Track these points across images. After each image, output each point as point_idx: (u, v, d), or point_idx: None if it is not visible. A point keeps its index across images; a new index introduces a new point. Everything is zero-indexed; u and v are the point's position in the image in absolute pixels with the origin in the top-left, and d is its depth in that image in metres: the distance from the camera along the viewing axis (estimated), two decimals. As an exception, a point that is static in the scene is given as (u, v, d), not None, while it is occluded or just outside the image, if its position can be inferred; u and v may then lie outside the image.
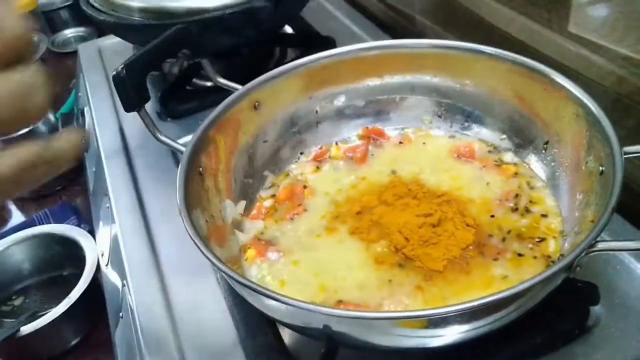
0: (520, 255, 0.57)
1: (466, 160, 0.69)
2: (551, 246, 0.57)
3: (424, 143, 0.73)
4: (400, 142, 0.73)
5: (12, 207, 1.29)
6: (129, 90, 0.57)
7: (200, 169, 0.59)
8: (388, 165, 0.70)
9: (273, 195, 0.68)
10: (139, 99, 0.59)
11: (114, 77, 0.57)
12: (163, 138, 0.61)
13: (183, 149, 0.58)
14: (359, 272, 0.57)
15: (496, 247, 0.58)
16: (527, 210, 0.61)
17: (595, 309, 0.55)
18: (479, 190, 0.65)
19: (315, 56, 0.71)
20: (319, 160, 0.73)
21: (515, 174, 0.66)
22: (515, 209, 0.62)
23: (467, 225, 0.59)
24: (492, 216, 0.61)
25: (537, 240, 0.58)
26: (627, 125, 0.67)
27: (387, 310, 0.53)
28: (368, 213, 0.63)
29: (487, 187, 0.65)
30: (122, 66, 0.57)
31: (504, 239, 0.58)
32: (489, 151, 0.70)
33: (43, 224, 1.10)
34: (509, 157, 0.68)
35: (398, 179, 0.68)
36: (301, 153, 0.74)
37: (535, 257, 0.56)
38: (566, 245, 0.56)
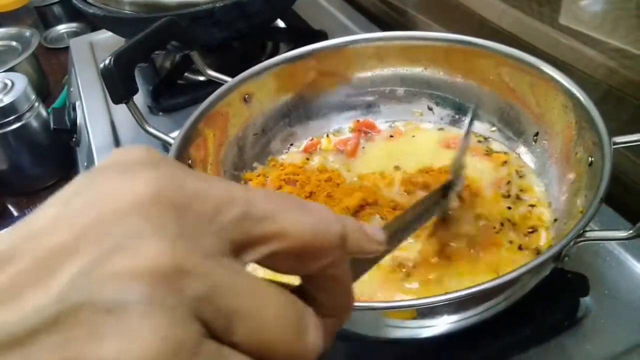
0: (510, 242, 0.57)
1: (455, 149, 0.69)
2: (542, 238, 0.57)
3: (413, 136, 0.73)
4: (391, 136, 0.73)
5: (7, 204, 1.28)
6: (117, 81, 0.57)
7: (190, 161, 0.59)
8: (379, 159, 0.70)
9: (264, 185, 0.68)
10: (127, 91, 0.59)
11: (101, 68, 0.56)
12: (151, 130, 0.61)
13: (172, 141, 0.58)
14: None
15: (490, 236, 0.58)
16: (518, 198, 0.61)
17: (585, 300, 0.56)
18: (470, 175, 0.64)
19: (306, 48, 0.71)
20: (309, 151, 0.73)
21: (505, 162, 0.66)
22: (507, 196, 0.62)
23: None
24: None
25: (529, 231, 0.58)
26: (618, 117, 0.66)
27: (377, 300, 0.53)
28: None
29: (479, 173, 0.65)
30: (110, 58, 0.56)
31: (498, 228, 0.58)
32: (479, 141, 0.70)
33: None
34: (497, 146, 0.68)
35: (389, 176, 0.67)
36: (291, 144, 0.74)
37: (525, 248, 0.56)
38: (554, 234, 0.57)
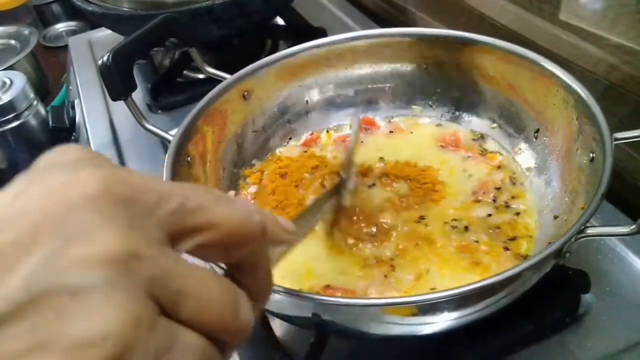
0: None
1: (451, 149, 0.69)
2: (523, 246, 0.56)
3: (411, 132, 0.72)
4: (391, 132, 0.73)
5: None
6: (116, 78, 0.57)
7: (189, 158, 0.59)
8: (375, 154, 0.70)
9: (260, 180, 0.68)
10: (125, 88, 0.58)
11: (100, 65, 0.56)
12: (150, 127, 0.61)
13: (170, 137, 0.58)
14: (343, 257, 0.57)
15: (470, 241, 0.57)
16: (507, 206, 0.61)
17: (586, 297, 0.55)
18: (459, 182, 0.64)
19: (305, 45, 0.70)
20: (308, 145, 0.72)
21: (499, 167, 0.66)
22: (493, 202, 0.61)
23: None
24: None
25: (509, 239, 0.57)
26: (619, 113, 0.66)
27: (374, 296, 0.53)
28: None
29: (469, 179, 0.65)
30: (108, 54, 0.56)
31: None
32: (473, 139, 0.69)
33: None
34: (491, 145, 0.68)
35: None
36: (290, 138, 0.74)
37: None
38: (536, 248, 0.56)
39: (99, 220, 0.21)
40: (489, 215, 0.60)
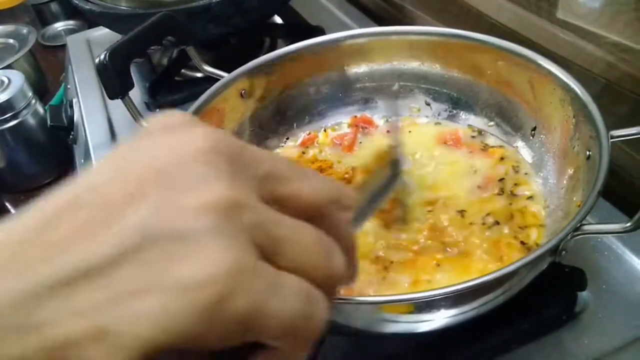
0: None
1: (453, 147, 0.69)
2: (533, 235, 0.57)
3: (409, 131, 0.72)
4: (388, 131, 0.73)
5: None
6: (113, 77, 0.57)
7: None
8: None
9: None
10: (122, 86, 0.58)
11: (97, 63, 0.56)
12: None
13: (168, 136, 0.58)
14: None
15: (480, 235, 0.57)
16: (513, 194, 0.61)
17: (583, 295, 0.55)
18: (465, 178, 0.64)
19: (303, 44, 0.70)
20: (306, 145, 0.72)
21: (502, 157, 0.66)
22: (500, 194, 0.61)
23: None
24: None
25: (520, 227, 0.57)
26: (617, 112, 0.66)
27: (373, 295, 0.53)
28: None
29: (475, 174, 0.64)
30: (105, 53, 0.56)
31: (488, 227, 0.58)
32: (472, 136, 0.69)
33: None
34: (492, 140, 0.68)
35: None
36: (287, 138, 0.74)
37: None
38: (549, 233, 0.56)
39: (208, 171, 0.22)
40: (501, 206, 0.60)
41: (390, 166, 0.52)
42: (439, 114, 0.73)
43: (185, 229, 0.21)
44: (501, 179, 0.63)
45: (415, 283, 0.53)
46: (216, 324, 0.20)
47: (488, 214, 0.59)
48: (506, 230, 0.57)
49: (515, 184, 0.62)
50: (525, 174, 0.63)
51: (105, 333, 0.19)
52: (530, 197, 0.60)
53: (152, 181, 0.22)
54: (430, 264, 0.55)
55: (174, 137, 0.24)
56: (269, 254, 0.23)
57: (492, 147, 0.67)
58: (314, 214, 0.26)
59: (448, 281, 0.53)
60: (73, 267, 0.20)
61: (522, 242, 0.56)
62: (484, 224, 0.58)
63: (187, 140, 0.23)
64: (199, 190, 0.21)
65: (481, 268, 0.54)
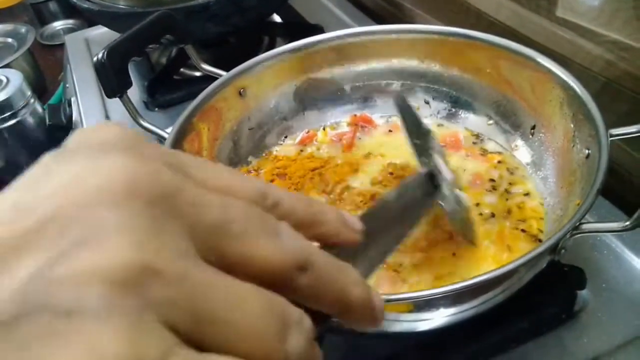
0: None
1: (452, 150, 0.68)
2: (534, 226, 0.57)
3: None
4: (390, 131, 0.73)
5: None
6: (111, 75, 0.57)
7: (184, 155, 0.58)
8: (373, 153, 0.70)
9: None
10: (120, 85, 0.58)
11: (95, 62, 0.56)
12: (145, 124, 0.60)
13: (166, 135, 0.58)
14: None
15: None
16: (508, 192, 0.61)
17: (582, 294, 0.55)
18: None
19: (301, 42, 0.70)
20: (304, 143, 0.72)
21: (499, 162, 0.66)
22: (491, 190, 0.62)
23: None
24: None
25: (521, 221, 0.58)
26: (617, 110, 0.66)
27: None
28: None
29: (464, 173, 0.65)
30: (103, 51, 0.56)
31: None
32: (474, 142, 0.69)
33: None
34: (492, 146, 0.68)
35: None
36: (285, 137, 0.74)
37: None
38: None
39: (113, 222, 0.17)
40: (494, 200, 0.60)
41: (422, 181, 0.41)
42: (438, 112, 0.73)
43: (69, 304, 0.16)
44: (492, 180, 0.63)
45: (438, 278, 0.53)
46: None
47: (478, 204, 0.60)
48: (507, 224, 0.57)
49: (510, 184, 0.62)
50: (522, 175, 0.63)
51: None
52: (526, 194, 0.60)
53: (52, 225, 0.17)
54: (446, 256, 0.55)
55: (88, 166, 0.18)
56: (192, 335, 0.17)
57: (491, 152, 0.67)
58: (265, 283, 0.20)
59: (467, 271, 0.53)
60: None
61: (523, 230, 0.56)
62: (480, 214, 0.58)
63: (99, 173, 0.18)
64: (98, 246, 0.17)
65: (493, 255, 0.54)
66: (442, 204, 0.50)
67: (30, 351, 0.15)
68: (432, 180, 0.40)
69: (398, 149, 0.69)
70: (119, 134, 0.20)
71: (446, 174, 0.50)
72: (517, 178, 0.63)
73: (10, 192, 0.19)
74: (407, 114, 0.55)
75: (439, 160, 0.50)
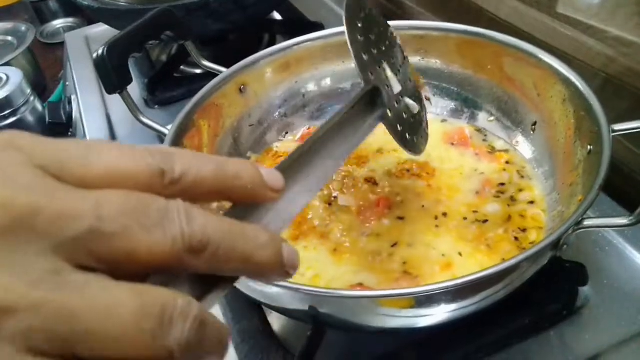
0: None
1: (461, 148, 0.68)
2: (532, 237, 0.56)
3: None
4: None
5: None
6: (111, 71, 0.57)
7: (184, 152, 0.58)
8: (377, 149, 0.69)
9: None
10: (120, 81, 0.58)
11: (95, 58, 0.56)
12: (145, 120, 0.60)
13: (166, 131, 0.58)
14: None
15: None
16: (513, 200, 0.61)
17: (584, 290, 0.55)
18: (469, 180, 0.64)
19: (301, 39, 0.70)
20: (305, 140, 0.72)
21: (507, 162, 0.65)
22: (497, 197, 0.61)
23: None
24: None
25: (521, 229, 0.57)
26: (617, 106, 0.66)
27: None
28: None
29: (480, 176, 0.64)
30: (103, 47, 0.56)
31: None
32: (484, 139, 0.69)
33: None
34: (500, 144, 0.68)
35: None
36: (286, 133, 0.73)
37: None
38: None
39: None
40: (501, 207, 0.60)
41: (361, 103, 0.39)
42: (440, 109, 0.72)
43: None
44: (501, 184, 0.62)
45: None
46: None
47: (475, 211, 0.59)
48: (500, 231, 0.57)
49: (520, 190, 0.61)
50: (529, 176, 0.63)
51: None
52: (531, 202, 0.60)
53: None
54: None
55: None
56: (66, 354, 0.18)
57: (499, 150, 0.67)
58: (164, 270, 0.21)
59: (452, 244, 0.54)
60: None
61: (516, 239, 0.56)
62: (465, 218, 0.58)
63: None
64: None
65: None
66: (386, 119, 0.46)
67: None
68: (373, 98, 0.40)
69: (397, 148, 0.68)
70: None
71: (395, 85, 0.45)
72: (526, 183, 0.62)
73: None
74: (357, 18, 0.46)
75: (387, 72, 0.45)
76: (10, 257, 0.18)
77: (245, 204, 0.25)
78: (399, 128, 0.48)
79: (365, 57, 0.46)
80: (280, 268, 0.24)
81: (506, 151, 0.67)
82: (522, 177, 0.63)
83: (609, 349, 0.51)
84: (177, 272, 0.21)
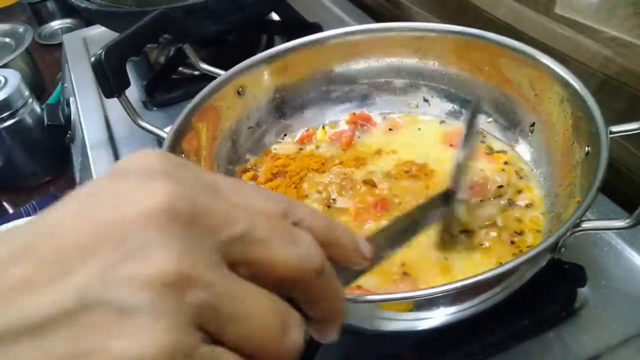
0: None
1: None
2: (529, 240, 0.56)
3: (419, 129, 0.72)
4: (390, 129, 0.72)
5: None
6: (109, 75, 0.56)
7: (183, 155, 0.58)
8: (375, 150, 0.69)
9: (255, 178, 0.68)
10: (118, 85, 0.58)
11: (92, 62, 0.56)
12: (143, 124, 0.60)
13: (164, 134, 0.58)
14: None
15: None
16: (510, 204, 0.60)
17: (583, 291, 0.55)
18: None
19: (300, 41, 0.70)
20: (303, 142, 0.72)
21: (506, 162, 0.65)
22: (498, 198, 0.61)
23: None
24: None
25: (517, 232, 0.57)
26: (615, 107, 0.66)
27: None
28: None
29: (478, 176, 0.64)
30: (101, 51, 0.56)
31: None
32: (482, 141, 0.69)
33: (30, 216, 1.09)
34: (498, 145, 0.68)
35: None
36: (285, 135, 0.73)
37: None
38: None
39: (157, 239, 0.21)
40: (499, 210, 0.60)
41: (439, 200, 0.50)
42: (438, 111, 0.73)
43: (124, 301, 0.20)
44: (500, 186, 0.62)
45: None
46: None
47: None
48: (497, 233, 0.57)
49: (519, 191, 0.61)
50: (527, 176, 0.63)
51: None
52: (530, 205, 0.60)
53: (102, 241, 0.21)
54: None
55: (133, 190, 0.22)
56: (214, 333, 0.22)
57: (497, 151, 0.67)
58: (285, 286, 0.25)
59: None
60: (18, 319, 0.19)
61: (512, 242, 0.56)
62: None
63: (142, 196, 0.22)
64: (143, 260, 0.20)
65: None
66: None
67: (86, 341, 0.19)
68: (446, 198, 0.49)
69: (410, 147, 0.69)
70: (160, 162, 0.24)
71: (462, 193, 0.53)
72: (524, 183, 0.62)
73: (67, 205, 0.22)
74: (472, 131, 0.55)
75: (462, 180, 0.52)
76: (192, 243, 0.21)
77: (336, 264, 0.28)
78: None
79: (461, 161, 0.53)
80: (340, 321, 0.28)
81: (504, 152, 0.67)
82: (521, 177, 0.63)
83: (608, 350, 0.51)
84: (288, 293, 0.25)
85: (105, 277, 0.20)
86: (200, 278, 0.21)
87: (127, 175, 0.23)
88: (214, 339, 0.22)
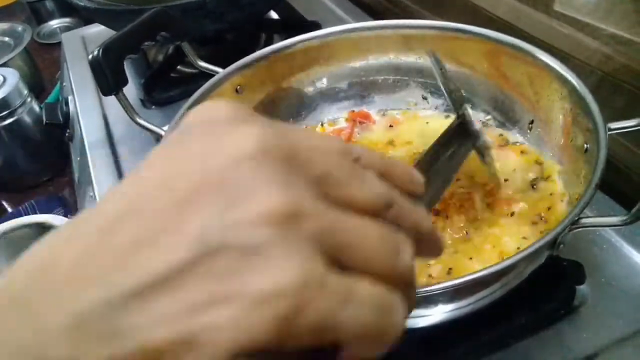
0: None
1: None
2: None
3: (427, 123, 0.72)
4: (391, 126, 0.72)
5: (-1, 199, 1.28)
6: (106, 73, 0.56)
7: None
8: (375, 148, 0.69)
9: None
10: (116, 82, 0.58)
11: (90, 60, 0.56)
12: (141, 121, 0.60)
13: (162, 132, 0.58)
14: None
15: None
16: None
17: (582, 289, 0.55)
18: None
19: (298, 38, 0.70)
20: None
21: (522, 152, 0.65)
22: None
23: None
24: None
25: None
26: (615, 104, 0.66)
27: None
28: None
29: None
30: (98, 49, 0.56)
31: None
32: (500, 135, 0.68)
33: (29, 215, 1.08)
34: (514, 136, 0.67)
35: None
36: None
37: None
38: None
39: (260, 177, 0.21)
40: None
41: (459, 131, 0.50)
42: (436, 108, 0.73)
43: (244, 242, 0.20)
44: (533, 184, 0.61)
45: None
46: (292, 333, 0.20)
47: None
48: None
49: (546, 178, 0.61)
50: (550, 168, 0.62)
51: (189, 343, 0.19)
52: (552, 194, 0.59)
53: (207, 190, 0.21)
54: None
55: (220, 138, 0.22)
56: (334, 260, 0.22)
57: (512, 143, 0.66)
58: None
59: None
60: (148, 275, 0.20)
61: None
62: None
63: (234, 141, 0.22)
64: (253, 198, 0.20)
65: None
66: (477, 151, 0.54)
67: (221, 285, 0.19)
68: (465, 129, 0.50)
69: (423, 137, 0.69)
70: (233, 110, 0.24)
71: (474, 123, 0.53)
72: (550, 181, 0.61)
73: (155, 162, 0.23)
74: (441, 67, 0.60)
75: (468, 112, 0.53)
76: (294, 178, 0.22)
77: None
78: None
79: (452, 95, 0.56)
80: (435, 241, 0.28)
81: (520, 143, 0.66)
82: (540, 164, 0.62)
83: (607, 347, 0.51)
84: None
85: (219, 222, 0.20)
86: (311, 208, 0.21)
87: (209, 124, 0.23)
88: (336, 265, 0.22)
